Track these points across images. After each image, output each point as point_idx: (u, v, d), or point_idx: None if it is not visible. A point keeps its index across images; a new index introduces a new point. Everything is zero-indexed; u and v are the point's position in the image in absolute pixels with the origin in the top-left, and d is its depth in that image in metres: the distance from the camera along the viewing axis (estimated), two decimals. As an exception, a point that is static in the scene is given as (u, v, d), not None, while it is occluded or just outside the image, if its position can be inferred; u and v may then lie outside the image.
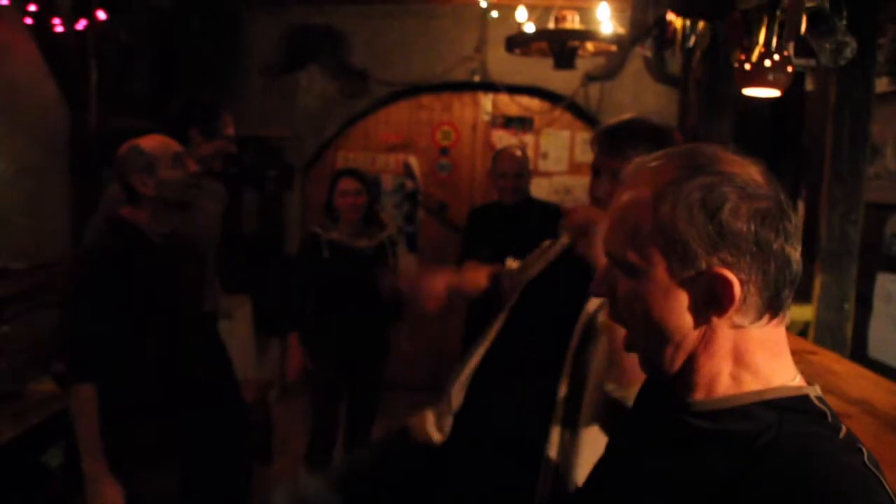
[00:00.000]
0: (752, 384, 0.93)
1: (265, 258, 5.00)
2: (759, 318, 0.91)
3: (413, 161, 5.61)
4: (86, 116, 4.05)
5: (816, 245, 3.08)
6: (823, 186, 2.98)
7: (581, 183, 5.35)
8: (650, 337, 0.95)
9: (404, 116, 5.60)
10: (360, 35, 5.35)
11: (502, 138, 5.52)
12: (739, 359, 0.93)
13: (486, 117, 5.60)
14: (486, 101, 5.59)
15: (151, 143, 2.31)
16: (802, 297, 3.22)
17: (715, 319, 0.90)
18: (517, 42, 3.92)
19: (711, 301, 0.89)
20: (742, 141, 3.69)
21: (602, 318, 1.69)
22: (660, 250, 0.90)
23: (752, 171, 0.92)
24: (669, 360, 0.94)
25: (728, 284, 0.87)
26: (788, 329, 2.80)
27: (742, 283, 0.87)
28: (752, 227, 0.87)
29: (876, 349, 3.51)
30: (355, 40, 5.35)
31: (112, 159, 2.34)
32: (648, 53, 4.12)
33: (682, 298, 0.91)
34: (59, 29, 3.69)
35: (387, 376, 3.72)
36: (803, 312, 3.17)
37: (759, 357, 0.93)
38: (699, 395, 0.95)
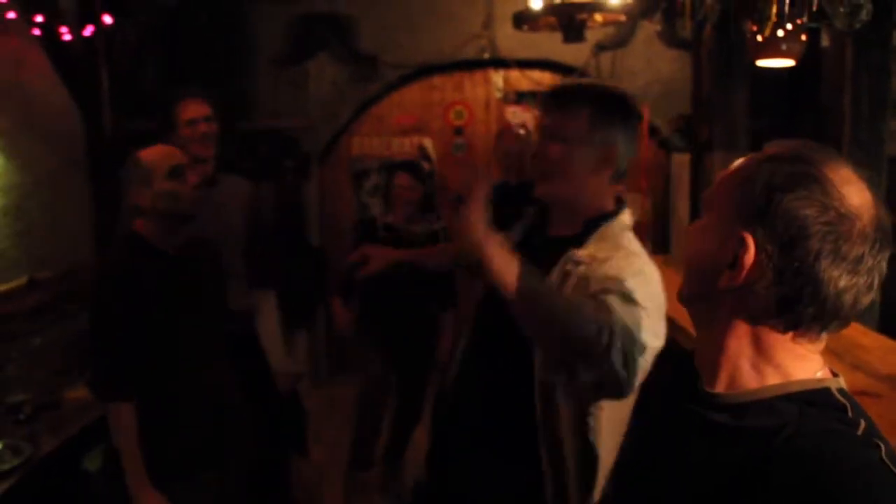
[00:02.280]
0: (773, 377, 0.94)
1: (288, 249, 5.03)
2: (769, 316, 0.93)
3: (428, 143, 5.59)
4: (100, 121, 4.07)
5: (839, 210, 3.05)
6: (843, 150, 2.94)
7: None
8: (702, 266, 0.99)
9: (416, 98, 5.58)
10: (367, 20, 5.31)
11: (515, 114, 5.48)
12: (760, 349, 0.94)
13: (499, 94, 5.55)
14: (498, 77, 5.54)
15: (150, 154, 2.31)
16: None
17: (729, 282, 0.94)
18: (525, 18, 3.86)
19: (733, 262, 0.93)
20: (758, 104, 3.64)
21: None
22: (727, 200, 0.96)
23: (850, 192, 0.90)
24: (711, 285, 0.96)
25: (745, 247, 0.91)
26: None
27: (757, 254, 0.91)
28: (799, 223, 0.89)
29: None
30: (363, 25, 5.32)
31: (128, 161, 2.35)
32: (658, 27, 4.05)
33: (722, 245, 0.94)
34: (67, 37, 3.70)
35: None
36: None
37: (781, 355, 0.94)
38: (722, 388, 0.97)
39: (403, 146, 5.61)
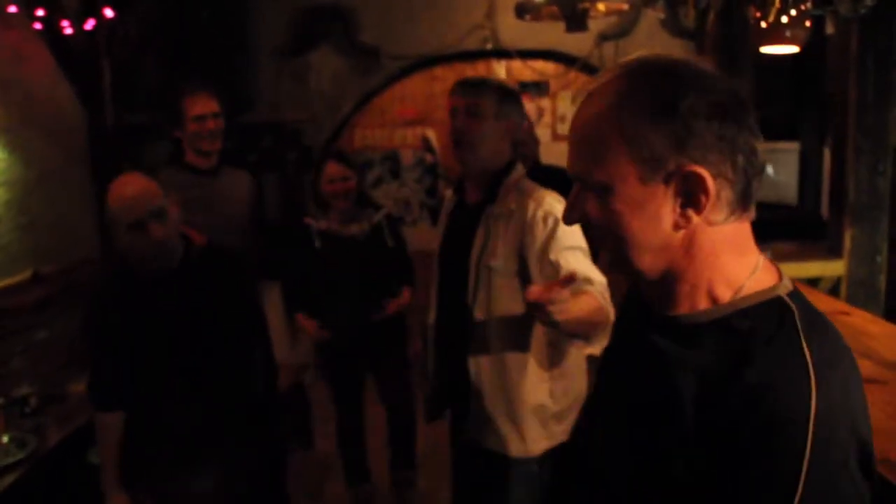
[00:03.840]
0: (726, 293, 0.94)
1: (291, 242, 5.02)
2: (733, 213, 0.92)
3: (431, 134, 5.58)
4: (102, 115, 4.07)
5: (844, 198, 3.03)
6: (849, 138, 2.92)
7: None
8: (632, 250, 0.94)
9: (419, 90, 5.56)
10: (368, 11, 5.29)
11: (519, 105, 5.46)
12: (715, 263, 0.94)
13: (501, 84, 5.53)
14: (500, 68, 5.52)
15: (119, 196, 2.15)
16: (833, 252, 3.17)
17: (695, 219, 0.91)
18: (527, 8, 3.85)
19: (688, 201, 0.90)
20: (762, 92, 3.62)
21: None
22: (628, 160, 0.90)
23: (705, 68, 0.93)
24: (650, 268, 0.95)
25: (701, 179, 0.88)
26: (819, 286, 2.78)
27: (713, 177, 0.89)
28: (715, 122, 0.88)
29: (911, 300, 3.47)
30: (364, 17, 5.30)
31: (130, 155, 2.35)
32: (661, 15, 4.03)
33: (659, 204, 0.91)
34: (69, 31, 3.69)
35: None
36: (834, 268, 3.13)
37: (731, 259, 0.94)
38: (682, 310, 0.97)
39: (406, 137, 5.60)
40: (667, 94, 0.89)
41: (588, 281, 1.95)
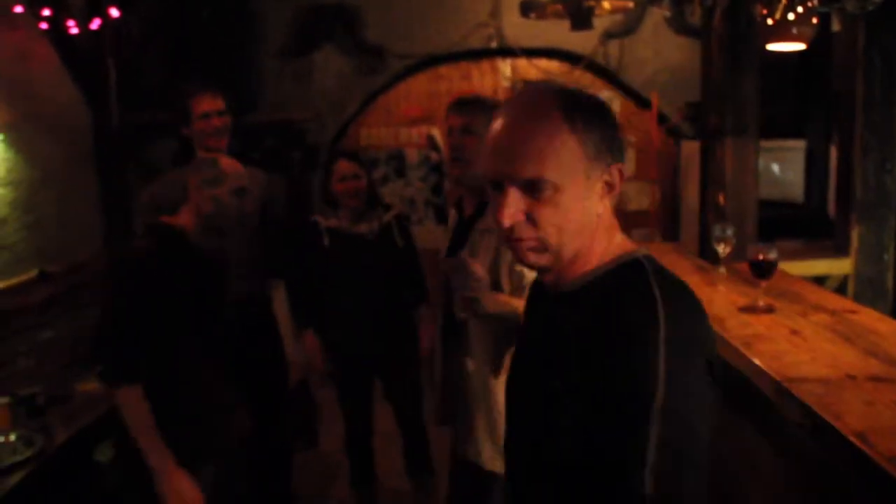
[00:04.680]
0: (604, 256, 1.15)
1: (295, 241, 5.02)
2: (611, 193, 1.15)
3: (436, 132, 5.57)
4: (107, 114, 4.08)
5: (852, 196, 3.02)
6: (856, 136, 2.92)
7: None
8: (567, 238, 1.11)
9: (424, 89, 5.56)
10: (372, 10, 5.29)
11: (523, 103, 5.45)
12: (607, 234, 1.16)
13: (506, 83, 5.53)
14: (505, 66, 5.51)
15: (228, 164, 2.39)
16: (840, 250, 3.17)
17: (606, 204, 1.14)
18: (532, 6, 3.85)
19: (608, 190, 1.13)
20: (768, 90, 3.60)
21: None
22: (581, 159, 1.08)
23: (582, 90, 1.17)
24: (574, 251, 1.13)
25: (621, 173, 1.12)
26: (826, 283, 2.77)
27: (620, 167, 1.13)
28: (618, 128, 1.14)
29: (919, 298, 3.45)
30: (368, 16, 5.30)
31: (135, 154, 2.36)
32: (667, 13, 4.03)
33: (593, 196, 1.11)
34: (74, 30, 3.71)
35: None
36: (841, 266, 3.12)
37: (607, 234, 1.16)
38: (567, 282, 1.16)
39: (411, 136, 5.60)
40: (596, 106, 1.12)
41: None
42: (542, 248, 1.12)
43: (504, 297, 2.10)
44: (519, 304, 1.92)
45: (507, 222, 1.10)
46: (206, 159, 2.37)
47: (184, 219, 2.35)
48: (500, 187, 1.11)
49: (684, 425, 0.99)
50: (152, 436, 2.19)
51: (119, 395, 2.23)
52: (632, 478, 0.97)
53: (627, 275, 1.11)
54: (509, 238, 1.13)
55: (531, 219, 1.10)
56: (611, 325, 1.04)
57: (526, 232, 1.11)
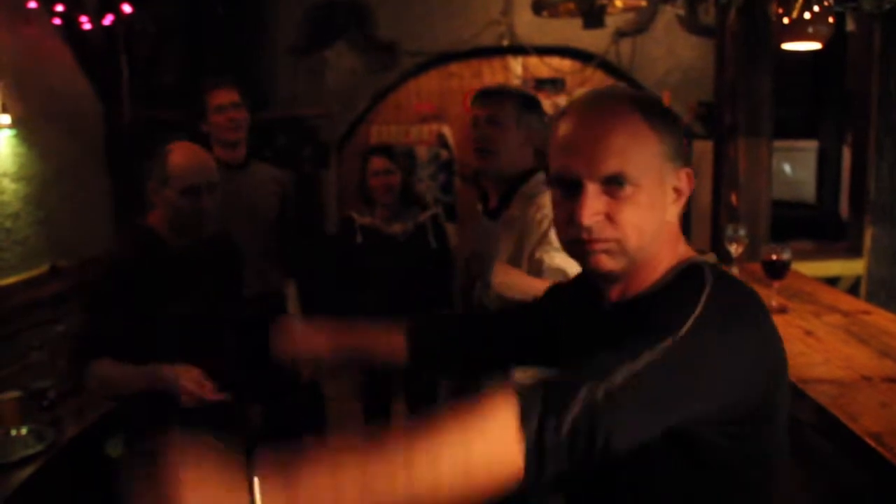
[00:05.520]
0: (668, 266, 1.10)
1: (306, 238, 5.03)
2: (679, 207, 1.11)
3: (447, 130, 5.57)
4: (120, 111, 4.09)
5: (865, 197, 3.01)
6: (870, 137, 2.90)
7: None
8: (641, 241, 1.06)
9: (435, 86, 5.55)
10: (385, 7, 5.29)
11: (534, 102, 5.44)
12: (673, 244, 1.12)
13: (517, 81, 5.51)
14: (516, 64, 5.50)
15: (182, 160, 2.24)
16: (853, 251, 3.15)
17: (675, 211, 1.10)
18: (544, 4, 3.84)
19: (677, 196, 1.09)
20: (782, 90, 3.59)
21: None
22: (658, 157, 1.05)
23: None
24: (643, 258, 1.08)
25: (690, 179, 1.09)
26: (839, 284, 2.75)
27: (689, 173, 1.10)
28: (682, 131, 1.11)
29: (932, 299, 3.43)
30: (380, 13, 5.29)
31: (147, 150, 2.33)
32: (681, 11, 4.01)
33: (665, 199, 1.08)
34: (88, 26, 3.71)
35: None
36: (854, 267, 3.11)
37: (675, 245, 1.12)
38: (638, 289, 1.11)
39: (422, 134, 5.59)
40: (667, 110, 1.09)
41: (564, 274, 1.93)
42: (619, 251, 1.06)
43: (518, 275, 2.04)
44: (538, 284, 1.87)
45: (587, 220, 1.04)
46: (158, 157, 2.24)
47: (153, 218, 2.29)
48: (574, 186, 1.05)
49: (674, 381, 0.94)
50: (136, 371, 2.13)
51: (91, 373, 2.17)
52: (585, 379, 0.92)
53: (684, 278, 1.07)
54: (584, 240, 1.06)
55: (610, 218, 1.05)
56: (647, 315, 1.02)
57: (605, 232, 1.05)
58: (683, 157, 1.09)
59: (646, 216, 1.04)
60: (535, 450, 0.88)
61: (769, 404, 1.04)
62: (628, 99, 1.07)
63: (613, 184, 1.03)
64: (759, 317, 1.04)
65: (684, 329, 0.95)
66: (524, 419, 0.88)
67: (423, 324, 1.53)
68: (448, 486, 0.87)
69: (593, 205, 1.04)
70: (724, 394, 0.97)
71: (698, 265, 1.08)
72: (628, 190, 1.03)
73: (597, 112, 1.07)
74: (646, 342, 0.94)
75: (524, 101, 2.24)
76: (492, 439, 0.88)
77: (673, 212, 1.09)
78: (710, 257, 1.17)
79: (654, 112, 1.06)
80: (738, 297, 1.04)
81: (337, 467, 0.86)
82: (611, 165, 1.03)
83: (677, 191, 1.08)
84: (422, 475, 0.86)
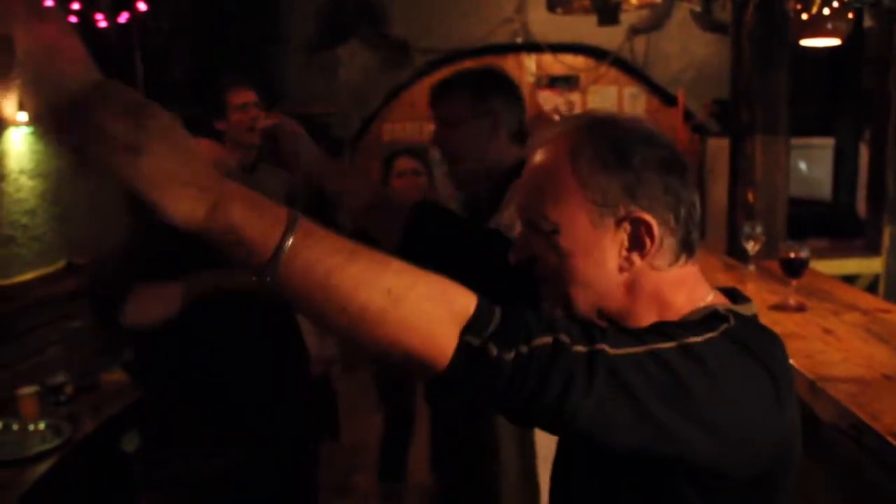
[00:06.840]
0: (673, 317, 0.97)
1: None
2: (677, 259, 0.97)
3: (459, 128, 5.56)
4: (135, 108, 4.10)
5: (883, 195, 2.99)
6: (889, 134, 2.88)
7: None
8: (572, 288, 0.97)
9: (448, 84, 5.54)
10: (398, 5, 5.29)
11: (548, 99, 5.43)
12: (661, 300, 0.98)
13: (531, 78, 5.51)
14: (530, 61, 5.49)
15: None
16: (871, 249, 3.13)
17: (638, 262, 0.95)
18: (558, 1, 3.83)
19: (634, 244, 0.95)
20: (798, 87, 3.57)
21: None
22: (582, 203, 0.95)
23: (646, 127, 0.99)
24: (584, 305, 0.98)
25: (648, 225, 0.93)
26: (857, 282, 2.73)
27: (658, 224, 0.94)
28: (662, 174, 0.94)
29: (950, 298, 3.40)
30: (394, 11, 5.30)
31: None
32: (697, 7, 3.99)
33: (607, 247, 0.95)
34: (103, 24, 3.72)
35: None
36: (872, 265, 3.09)
37: (678, 296, 0.98)
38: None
39: (435, 132, 5.59)
40: (620, 146, 0.95)
41: None
42: (565, 305, 0.98)
43: None
44: None
45: (512, 257, 1.02)
46: None
47: None
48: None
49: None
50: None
51: (128, 303, 2.15)
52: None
53: (696, 321, 0.94)
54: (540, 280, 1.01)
55: (534, 259, 0.99)
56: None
57: (544, 275, 1.00)
58: (643, 199, 0.93)
59: (573, 264, 0.96)
60: (474, 349, 0.80)
61: (770, 481, 0.91)
62: (568, 136, 0.98)
63: (530, 223, 0.99)
64: (784, 367, 0.94)
65: (694, 339, 0.86)
66: (480, 315, 0.81)
67: (430, 206, 1.48)
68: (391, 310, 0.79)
69: (520, 241, 1.02)
70: (729, 429, 0.85)
71: (719, 313, 0.94)
72: (553, 236, 0.96)
73: (535, 152, 1.02)
74: (647, 335, 0.87)
75: (476, 83, 1.90)
76: (441, 312, 0.81)
77: (632, 262, 0.95)
78: (748, 308, 0.98)
79: (587, 148, 0.95)
80: (765, 341, 0.94)
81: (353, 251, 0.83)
82: (526, 203, 1.00)
83: (634, 237, 0.94)
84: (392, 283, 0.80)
